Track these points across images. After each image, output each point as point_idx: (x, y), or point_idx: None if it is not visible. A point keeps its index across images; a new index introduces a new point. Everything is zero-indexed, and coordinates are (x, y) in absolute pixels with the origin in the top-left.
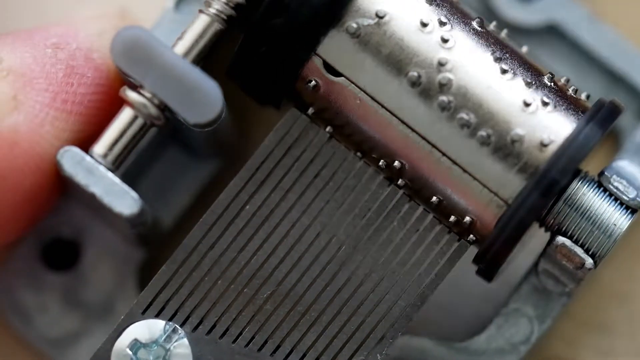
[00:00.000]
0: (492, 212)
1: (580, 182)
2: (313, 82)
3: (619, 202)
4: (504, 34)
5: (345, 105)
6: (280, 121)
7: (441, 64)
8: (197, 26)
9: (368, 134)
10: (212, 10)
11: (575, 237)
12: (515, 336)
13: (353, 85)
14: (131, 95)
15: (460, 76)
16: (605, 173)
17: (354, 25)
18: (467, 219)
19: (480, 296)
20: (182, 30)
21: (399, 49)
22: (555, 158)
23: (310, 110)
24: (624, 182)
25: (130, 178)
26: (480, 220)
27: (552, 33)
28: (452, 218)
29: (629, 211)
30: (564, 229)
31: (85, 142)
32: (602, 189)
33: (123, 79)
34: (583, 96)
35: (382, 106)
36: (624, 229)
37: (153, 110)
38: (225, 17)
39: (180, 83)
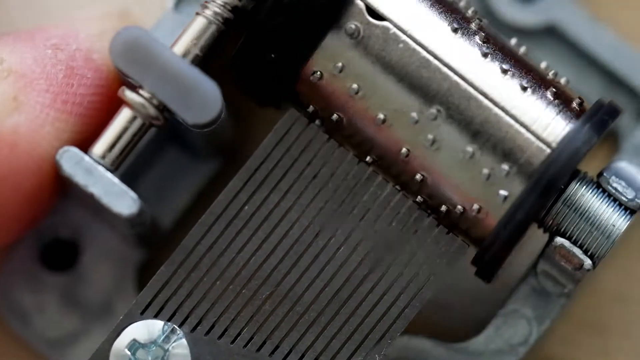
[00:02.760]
0: (536, 157)
1: (579, 183)
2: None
3: (617, 203)
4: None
5: (384, 53)
6: (279, 121)
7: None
8: (196, 26)
9: (406, 84)
10: (209, 13)
11: (574, 238)
12: (513, 337)
13: (396, 28)
14: (130, 95)
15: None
16: (604, 174)
17: None
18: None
19: (478, 297)
20: (182, 31)
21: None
22: (553, 158)
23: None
24: (623, 183)
25: (129, 178)
26: (520, 170)
27: (552, 34)
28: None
29: (627, 212)
30: (562, 229)
31: (85, 143)
32: (600, 189)
33: (122, 80)
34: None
35: (426, 49)
36: (623, 229)
37: (152, 111)
38: (222, 20)
39: (180, 83)
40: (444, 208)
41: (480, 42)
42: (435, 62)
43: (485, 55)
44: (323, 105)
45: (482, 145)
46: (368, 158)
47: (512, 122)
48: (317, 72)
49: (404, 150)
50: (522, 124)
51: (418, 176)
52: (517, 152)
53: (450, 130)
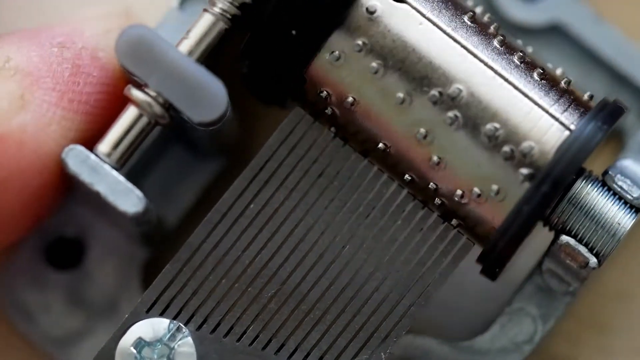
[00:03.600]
0: (556, 137)
1: (584, 181)
2: (337, 54)
3: (623, 201)
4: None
5: (405, 32)
6: (284, 120)
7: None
8: (202, 25)
9: (427, 62)
10: (217, 10)
11: (579, 236)
12: (518, 335)
13: (415, 11)
14: (136, 93)
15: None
16: (609, 172)
17: None
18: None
19: (484, 295)
20: (187, 29)
21: None
22: (559, 156)
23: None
24: (628, 182)
25: (134, 177)
26: (540, 149)
27: (556, 33)
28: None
29: (632, 210)
30: (568, 228)
31: (91, 141)
32: (606, 188)
33: (128, 78)
34: (586, 96)
35: (444, 32)
36: (628, 228)
37: (157, 109)
38: (229, 17)
39: (185, 82)
40: (459, 193)
41: (495, 32)
42: (455, 43)
43: (501, 43)
44: (339, 88)
45: (503, 124)
46: (380, 145)
47: (531, 104)
48: (335, 52)
49: (422, 130)
50: (541, 107)
51: (435, 158)
52: (537, 132)
53: (471, 108)
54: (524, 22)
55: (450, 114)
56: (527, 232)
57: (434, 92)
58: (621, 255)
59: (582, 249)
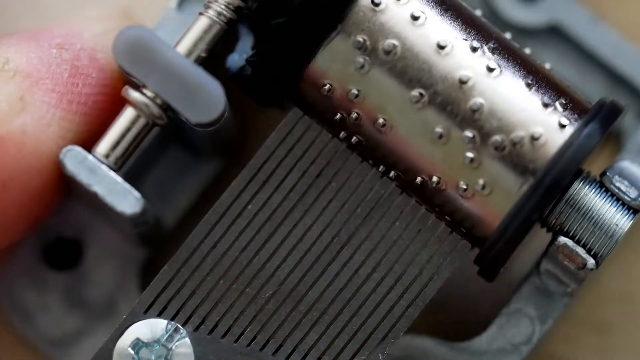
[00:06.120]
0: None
1: (582, 183)
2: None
3: (620, 202)
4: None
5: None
6: (282, 121)
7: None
8: (199, 26)
9: (465, 17)
10: (212, 13)
11: (577, 238)
12: (516, 336)
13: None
14: (134, 95)
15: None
16: (607, 173)
17: None
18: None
19: (482, 296)
20: (185, 30)
21: None
22: (557, 158)
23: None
24: (626, 183)
25: (132, 177)
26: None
27: (554, 34)
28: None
29: (630, 211)
30: (565, 229)
31: (89, 142)
32: (604, 189)
33: (126, 79)
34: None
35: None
36: (626, 229)
37: (155, 110)
38: (225, 20)
39: (183, 83)
40: (499, 138)
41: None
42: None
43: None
44: (378, 34)
45: (540, 80)
46: (418, 90)
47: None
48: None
49: (464, 73)
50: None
51: (476, 102)
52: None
53: (509, 62)
54: (523, 23)
55: (491, 63)
56: (524, 233)
57: (474, 42)
58: (619, 256)
59: (580, 250)
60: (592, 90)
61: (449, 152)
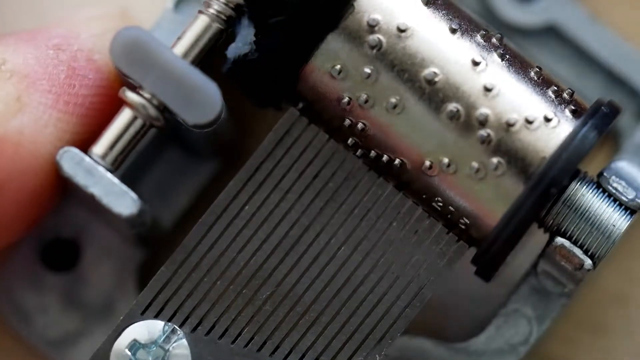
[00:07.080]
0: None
1: (579, 183)
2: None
3: (618, 203)
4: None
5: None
6: (279, 121)
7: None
8: (197, 27)
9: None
10: (212, 11)
11: (574, 238)
12: (514, 337)
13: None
14: (130, 96)
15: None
16: (604, 174)
17: None
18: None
19: (479, 297)
20: (182, 30)
21: None
22: (554, 159)
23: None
24: (623, 183)
25: (129, 179)
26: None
27: (552, 34)
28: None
29: (627, 212)
30: (563, 229)
31: (86, 143)
32: (601, 189)
33: (123, 80)
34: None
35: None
36: (623, 229)
37: (152, 111)
38: (225, 18)
39: (180, 84)
40: (514, 117)
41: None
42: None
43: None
44: (389, 16)
45: (544, 74)
46: (428, 71)
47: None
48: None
49: (477, 57)
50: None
51: (490, 83)
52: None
53: (515, 57)
54: (520, 23)
55: (500, 51)
56: (521, 233)
57: (482, 31)
58: (617, 257)
59: (577, 251)
60: (589, 90)
61: (461, 132)
